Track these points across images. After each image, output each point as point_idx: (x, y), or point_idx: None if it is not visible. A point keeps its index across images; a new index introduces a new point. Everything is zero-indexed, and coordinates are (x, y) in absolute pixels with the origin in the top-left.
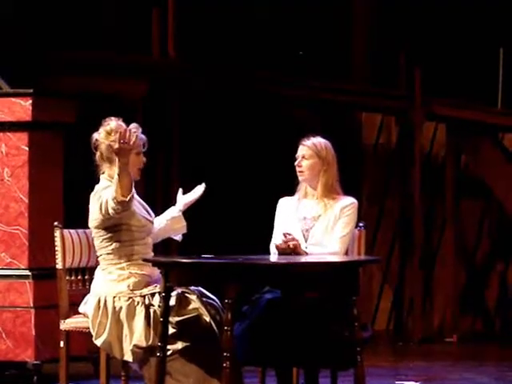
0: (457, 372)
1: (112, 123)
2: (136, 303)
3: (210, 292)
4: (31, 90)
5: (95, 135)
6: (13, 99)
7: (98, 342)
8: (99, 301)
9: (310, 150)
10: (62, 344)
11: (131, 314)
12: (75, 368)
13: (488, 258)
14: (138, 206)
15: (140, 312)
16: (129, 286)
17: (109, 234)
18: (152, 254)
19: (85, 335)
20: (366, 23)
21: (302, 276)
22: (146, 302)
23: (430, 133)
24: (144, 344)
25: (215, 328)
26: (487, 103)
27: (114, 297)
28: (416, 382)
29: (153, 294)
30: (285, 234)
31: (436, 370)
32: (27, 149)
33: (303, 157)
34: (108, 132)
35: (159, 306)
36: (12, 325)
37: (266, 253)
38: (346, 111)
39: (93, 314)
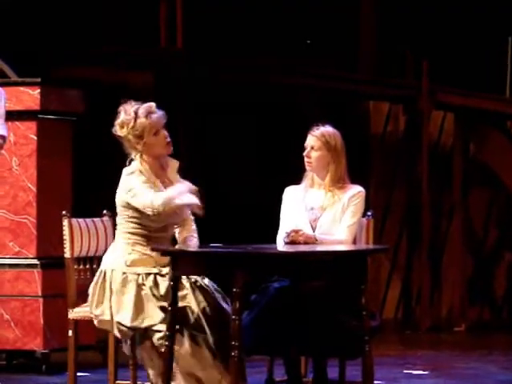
0: (465, 361)
1: (121, 116)
2: (129, 280)
3: (217, 282)
4: (39, 80)
5: (113, 130)
6: (21, 88)
7: (94, 313)
8: (100, 272)
9: (318, 141)
10: (70, 333)
11: (122, 290)
12: (83, 357)
13: (496, 247)
14: None
15: (130, 290)
16: (126, 262)
17: (131, 217)
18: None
19: (93, 324)
20: (373, 12)
21: (311, 265)
22: (139, 281)
23: (437, 121)
24: (128, 324)
25: (203, 320)
26: (495, 92)
27: (113, 270)
28: (424, 370)
29: (148, 274)
30: (296, 231)
31: (444, 359)
32: (35, 138)
33: (312, 147)
34: (120, 126)
35: (150, 288)
36: (20, 314)
37: (274, 242)
38: (353, 100)
39: (93, 285)
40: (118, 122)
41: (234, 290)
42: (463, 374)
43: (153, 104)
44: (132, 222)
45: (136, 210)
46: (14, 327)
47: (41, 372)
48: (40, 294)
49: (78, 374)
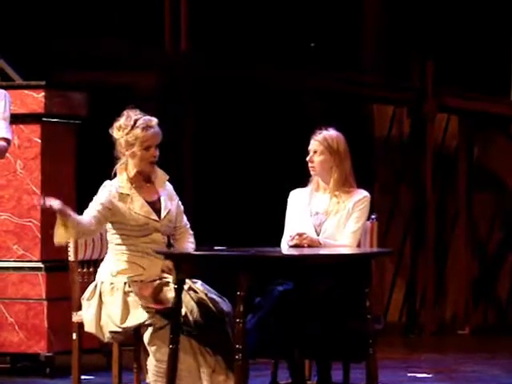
0: (469, 364)
1: (121, 119)
2: (116, 288)
3: (221, 284)
4: (43, 83)
5: (110, 130)
6: (25, 91)
7: (85, 323)
8: (91, 285)
9: (321, 146)
10: (74, 336)
11: (110, 300)
12: (88, 360)
13: (500, 250)
14: (141, 204)
15: (117, 298)
16: (112, 272)
17: (112, 230)
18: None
19: None
20: (377, 14)
21: (315, 268)
22: (126, 288)
23: (442, 124)
24: (118, 329)
25: (191, 320)
26: (499, 94)
27: (102, 282)
28: (428, 374)
29: (134, 282)
30: (300, 234)
31: (448, 363)
32: (39, 141)
33: (315, 152)
34: (117, 128)
35: (136, 294)
36: (25, 317)
37: (277, 245)
38: (357, 103)
39: (85, 295)
40: (116, 124)
41: (238, 293)
42: (467, 377)
43: (155, 119)
44: (115, 232)
45: (112, 221)
46: (19, 330)
47: (45, 375)
48: (44, 297)
49: (82, 377)
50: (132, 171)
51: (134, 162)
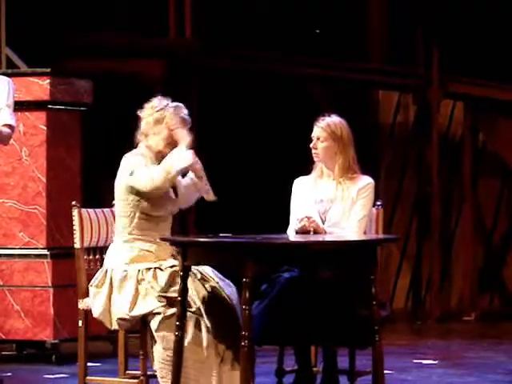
0: (475, 350)
1: (155, 100)
2: (129, 276)
3: (227, 272)
4: (49, 70)
5: (140, 110)
6: (30, 79)
7: (93, 310)
8: (101, 271)
9: (324, 132)
10: (80, 323)
11: (122, 286)
12: (94, 347)
13: (506, 236)
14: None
15: (130, 285)
16: (125, 260)
17: (133, 204)
18: (168, 232)
19: None
20: (382, 0)
21: (320, 255)
22: (139, 276)
23: (447, 111)
24: (126, 316)
25: (202, 310)
26: (505, 80)
27: (113, 269)
28: (434, 360)
29: (148, 269)
30: (308, 217)
31: (454, 349)
32: (45, 128)
33: (318, 139)
34: (150, 107)
35: (149, 282)
36: (30, 304)
37: (283, 231)
38: (363, 90)
39: (93, 282)
40: (149, 104)
41: (244, 279)
42: (473, 363)
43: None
44: (132, 211)
45: (138, 193)
46: (24, 318)
47: (51, 362)
48: (50, 284)
49: (88, 364)
50: (151, 150)
51: (157, 141)
